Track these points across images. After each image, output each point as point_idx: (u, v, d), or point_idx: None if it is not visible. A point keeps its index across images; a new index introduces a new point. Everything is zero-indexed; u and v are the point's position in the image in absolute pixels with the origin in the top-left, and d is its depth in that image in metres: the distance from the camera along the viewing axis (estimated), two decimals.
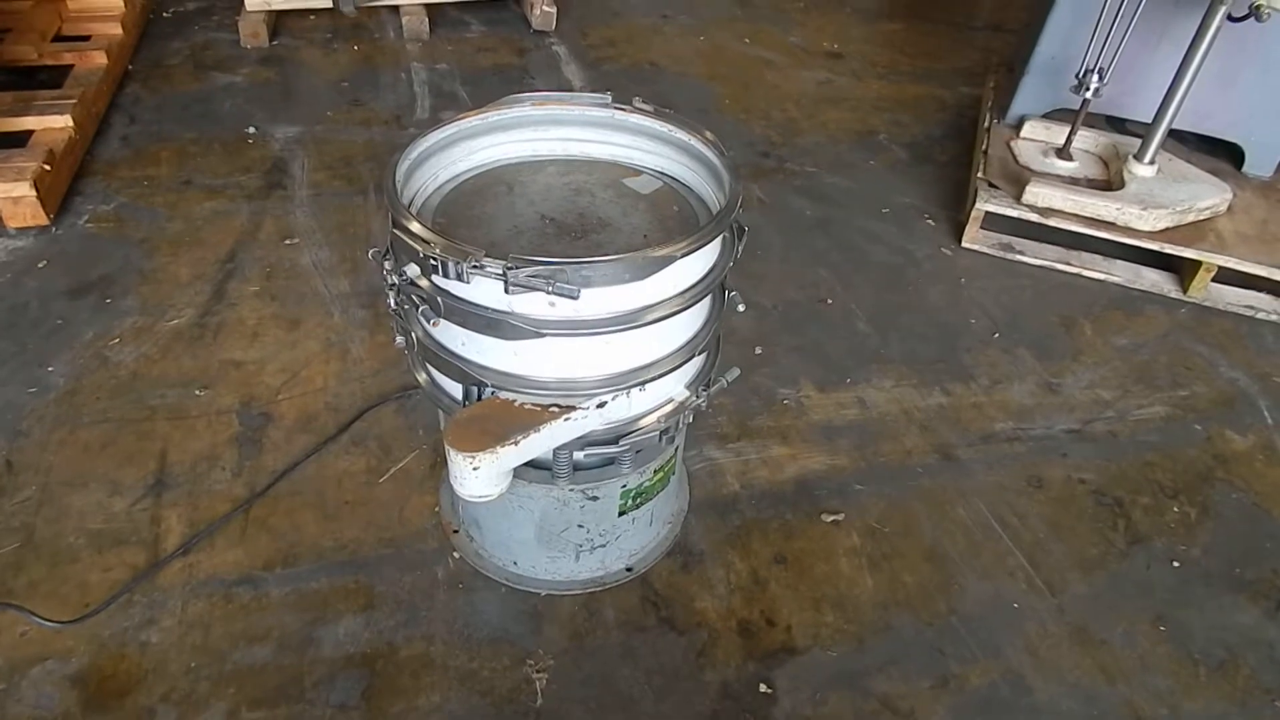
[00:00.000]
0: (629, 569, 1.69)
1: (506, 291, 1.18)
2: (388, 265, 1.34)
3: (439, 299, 1.26)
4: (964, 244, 2.65)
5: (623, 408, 1.38)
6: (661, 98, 3.51)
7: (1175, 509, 1.91)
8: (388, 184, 1.32)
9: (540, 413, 1.31)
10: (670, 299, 1.29)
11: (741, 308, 1.50)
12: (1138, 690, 1.57)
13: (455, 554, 1.71)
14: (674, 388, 1.44)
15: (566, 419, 1.31)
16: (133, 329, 2.16)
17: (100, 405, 1.96)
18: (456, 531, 1.74)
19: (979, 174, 2.70)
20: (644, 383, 1.35)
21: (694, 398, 1.45)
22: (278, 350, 2.14)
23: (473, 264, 1.17)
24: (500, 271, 1.17)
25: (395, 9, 3.74)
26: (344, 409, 2.00)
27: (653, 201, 1.51)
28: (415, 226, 1.23)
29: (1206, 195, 2.53)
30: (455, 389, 1.42)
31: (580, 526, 1.57)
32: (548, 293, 1.16)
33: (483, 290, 1.22)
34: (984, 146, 2.84)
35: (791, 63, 3.73)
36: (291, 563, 1.68)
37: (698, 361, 1.47)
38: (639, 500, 1.59)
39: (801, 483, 1.90)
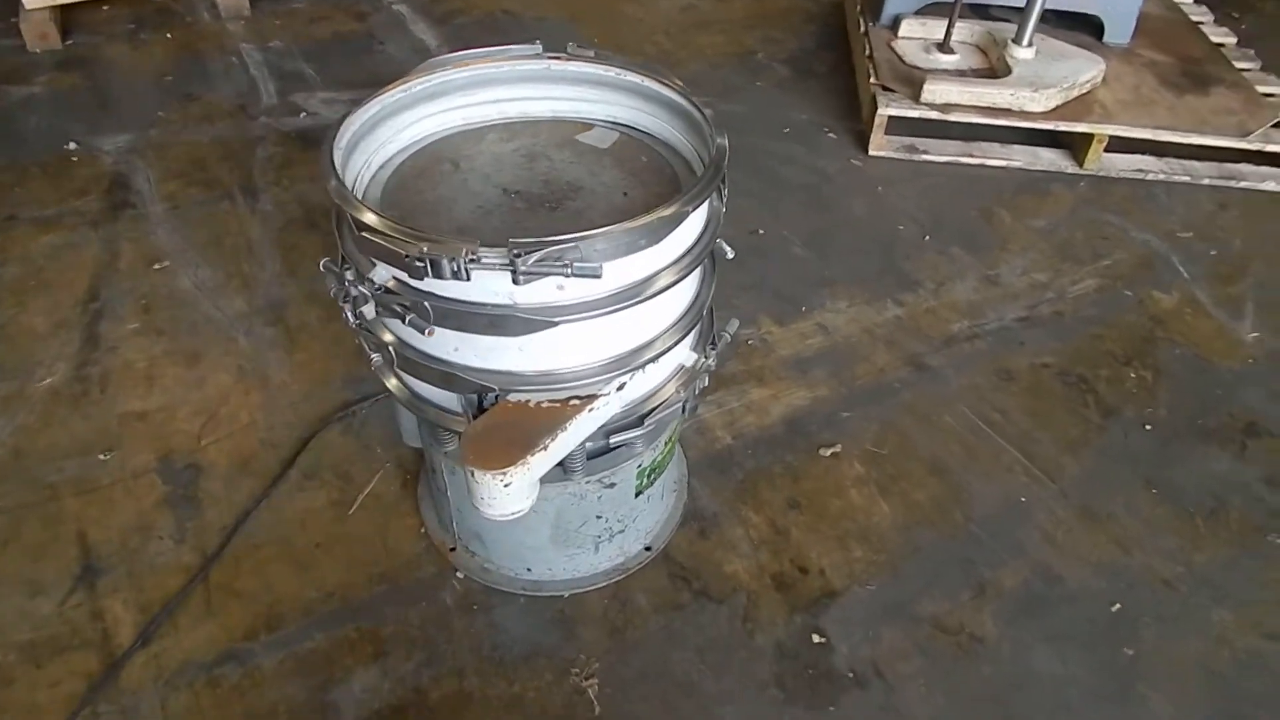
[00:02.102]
0: (648, 548, 1.60)
1: (516, 282, 1.03)
2: (349, 275, 1.14)
3: (425, 304, 1.09)
4: (871, 152, 2.64)
5: (641, 385, 1.26)
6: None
7: (1132, 375, 1.99)
8: (334, 185, 1.12)
9: (561, 408, 1.17)
10: (681, 259, 1.18)
11: (730, 254, 1.40)
12: (1152, 555, 1.63)
13: (458, 574, 1.56)
14: (683, 354, 1.33)
15: (590, 409, 1.18)
16: None
17: None
18: (454, 549, 1.58)
19: (872, 80, 2.69)
20: (661, 354, 1.23)
21: (703, 359, 1.35)
22: (183, 391, 1.87)
23: (470, 258, 1.01)
24: (506, 261, 1.01)
25: None
26: (282, 442, 1.77)
27: (616, 155, 1.37)
28: (388, 227, 1.05)
29: (1085, 69, 2.62)
30: (449, 400, 1.25)
31: (599, 517, 1.45)
32: (566, 275, 1.02)
33: (482, 285, 1.06)
34: (868, 52, 2.82)
35: None
36: (275, 625, 1.47)
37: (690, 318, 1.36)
38: (653, 477, 1.49)
39: (790, 421, 1.85)
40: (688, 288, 1.26)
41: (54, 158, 2.53)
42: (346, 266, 1.16)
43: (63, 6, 3.12)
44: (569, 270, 1.02)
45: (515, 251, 1.00)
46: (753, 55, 3.15)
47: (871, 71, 2.72)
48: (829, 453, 1.79)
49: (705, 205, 1.20)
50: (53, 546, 1.58)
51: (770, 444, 1.80)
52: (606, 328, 1.16)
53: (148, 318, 2.04)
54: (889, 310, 2.13)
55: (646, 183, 1.31)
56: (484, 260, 1.02)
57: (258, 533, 1.61)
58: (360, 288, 1.15)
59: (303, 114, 2.75)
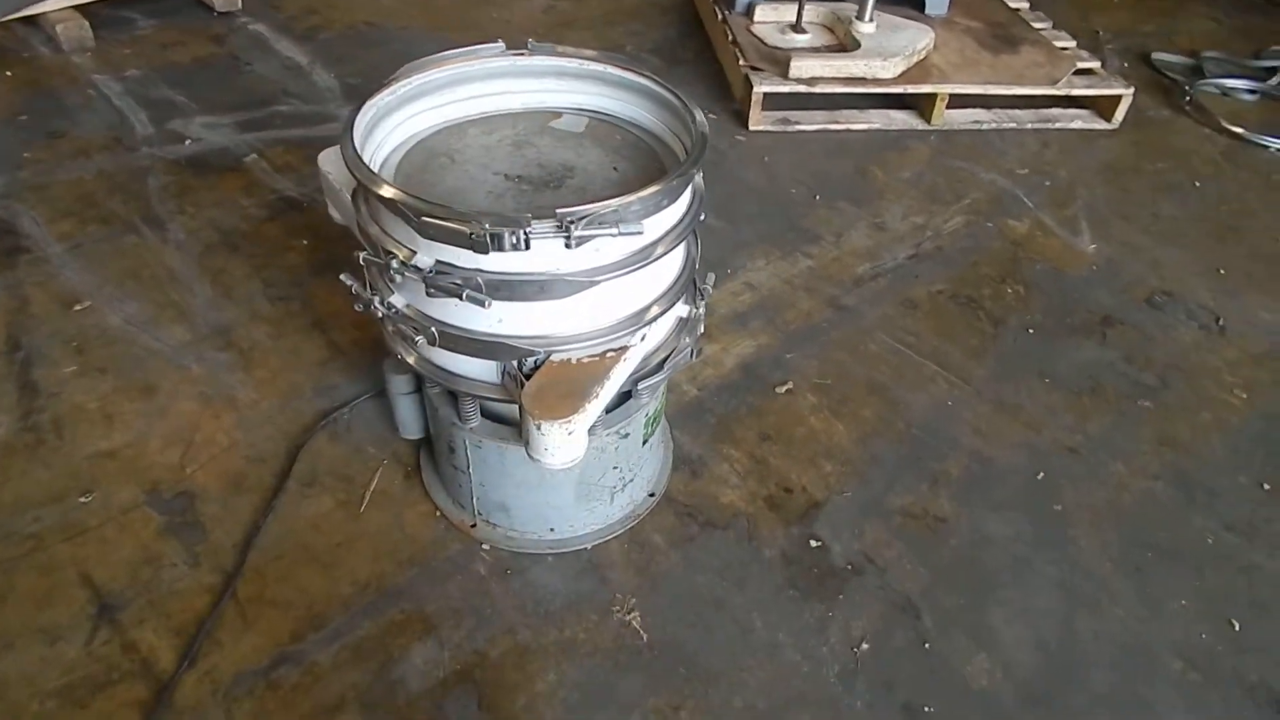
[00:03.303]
0: (651, 494, 1.75)
1: (568, 246, 1.16)
2: (394, 265, 1.23)
3: (478, 279, 1.20)
4: (751, 127, 2.89)
5: (655, 335, 1.41)
6: (400, 56, 3.29)
7: (1009, 290, 2.34)
8: (387, 188, 1.20)
9: (600, 361, 1.31)
10: (685, 215, 1.34)
11: (703, 217, 1.57)
12: (1056, 431, 1.96)
13: (484, 546, 1.65)
14: (680, 307, 1.49)
15: (624, 359, 1.32)
16: None
17: None
18: (474, 525, 1.67)
19: (741, 62, 2.94)
20: (671, 305, 1.39)
21: (695, 309, 1.52)
22: (148, 424, 1.83)
23: (525, 229, 1.13)
24: (561, 228, 1.14)
25: (34, 20, 3.11)
26: (269, 457, 1.79)
27: (592, 137, 1.52)
28: (449, 213, 1.15)
29: (920, 38, 2.99)
30: (485, 371, 1.36)
31: (615, 468, 1.59)
32: (615, 235, 1.16)
33: (534, 254, 1.18)
34: (731, 37, 3.07)
35: None
36: (321, 624, 1.52)
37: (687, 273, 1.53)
38: (653, 425, 1.64)
39: (744, 368, 2.05)
40: (684, 246, 1.42)
41: None
42: (392, 257, 1.23)
43: None
44: (616, 230, 1.16)
45: (569, 219, 1.14)
46: (622, 48, 3.34)
47: (739, 54, 2.97)
48: (783, 390, 2.01)
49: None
50: (57, 593, 1.53)
51: (731, 389, 2.00)
52: (631, 285, 1.30)
53: (84, 359, 1.96)
54: (801, 262, 2.38)
55: (629, 158, 1.47)
56: (540, 230, 1.14)
57: (272, 544, 1.63)
58: (403, 275, 1.24)
59: (188, 141, 2.67)
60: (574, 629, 1.54)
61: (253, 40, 3.25)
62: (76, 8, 3.11)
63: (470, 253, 1.17)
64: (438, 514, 1.70)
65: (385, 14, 3.48)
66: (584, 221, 1.15)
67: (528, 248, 1.14)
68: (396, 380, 1.62)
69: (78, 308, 2.09)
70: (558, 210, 1.14)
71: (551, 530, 1.65)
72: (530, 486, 1.56)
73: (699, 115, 1.37)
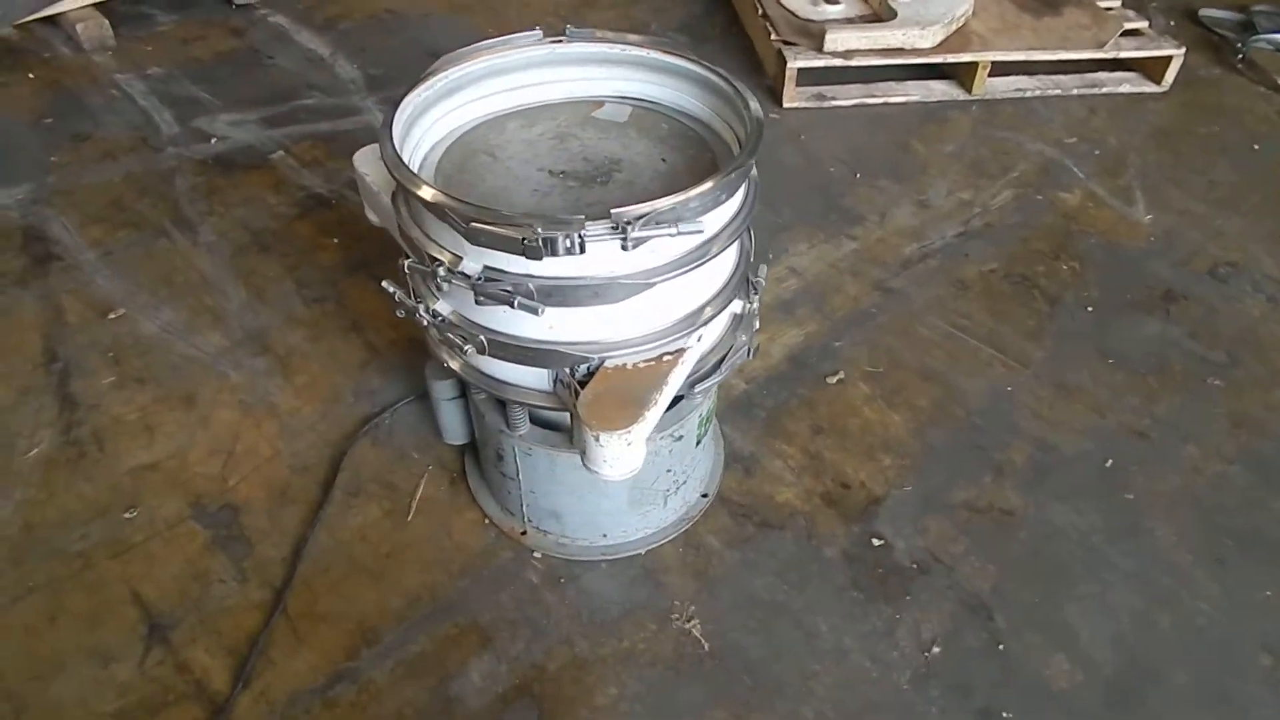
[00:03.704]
0: (704, 495, 1.70)
1: (624, 249, 1.10)
2: (441, 272, 1.17)
3: (530, 285, 1.14)
4: (785, 104, 2.80)
5: (713, 332, 1.35)
6: (421, 44, 3.27)
7: (1063, 267, 2.25)
8: (433, 193, 1.14)
9: (657, 365, 1.25)
10: (741, 210, 1.27)
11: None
12: (1122, 413, 1.88)
13: (536, 554, 1.60)
14: (735, 304, 1.42)
15: (681, 362, 1.26)
16: None
17: (9, 578, 1.55)
18: (524, 532, 1.62)
19: (773, 37, 2.84)
20: (728, 300, 1.33)
21: (749, 303, 1.45)
22: (190, 435, 1.80)
23: (580, 232, 1.07)
24: (617, 229, 1.08)
25: (53, 19, 3.06)
26: (313, 465, 1.75)
27: (637, 127, 1.45)
28: (499, 217, 1.09)
29: (959, 3, 2.87)
30: (535, 379, 1.30)
31: (669, 471, 1.54)
32: (673, 235, 1.10)
33: (587, 258, 1.12)
34: (761, 11, 2.97)
35: None
36: (374, 639, 1.48)
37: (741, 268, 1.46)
38: (706, 425, 1.59)
39: (792, 359, 1.99)
40: (739, 240, 1.35)
41: None
42: (438, 264, 1.18)
43: None
44: (675, 230, 1.10)
45: (626, 220, 1.07)
46: (648, 26, 3.24)
47: (770, 29, 2.87)
48: (834, 379, 1.94)
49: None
50: (107, 612, 1.51)
51: (780, 381, 1.94)
52: (687, 284, 1.24)
53: (121, 369, 1.94)
54: (845, 245, 2.30)
55: (677, 148, 1.40)
56: (595, 233, 1.08)
57: (320, 556, 1.60)
58: (450, 283, 1.18)
59: (213, 139, 2.63)
60: (632, 639, 1.49)
61: (273, 32, 3.19)
62: (96, 6, 3.06)
63: (521, 258, 1.11)
64: (486, 521, 1.66)
65: (407, 2, 3.40)
66: (641, 222, 1.08)
67: (583, 251, 1.08)
68: (440, 386, 1.57)
69: (112, 316, 2.06)
70: (613, 211, 1.08)
71: (604, 536, 1.60)
72: (583, 493, 1.51)
73: (753, 102, 1.30)
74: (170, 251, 2.24)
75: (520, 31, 1.46)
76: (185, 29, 3.18)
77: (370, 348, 1.99)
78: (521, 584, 1.56)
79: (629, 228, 1.07)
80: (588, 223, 1.08)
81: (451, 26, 3.24)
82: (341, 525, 1.65)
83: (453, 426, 1.66)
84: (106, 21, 3.04)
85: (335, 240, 2.27)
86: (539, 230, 1.06)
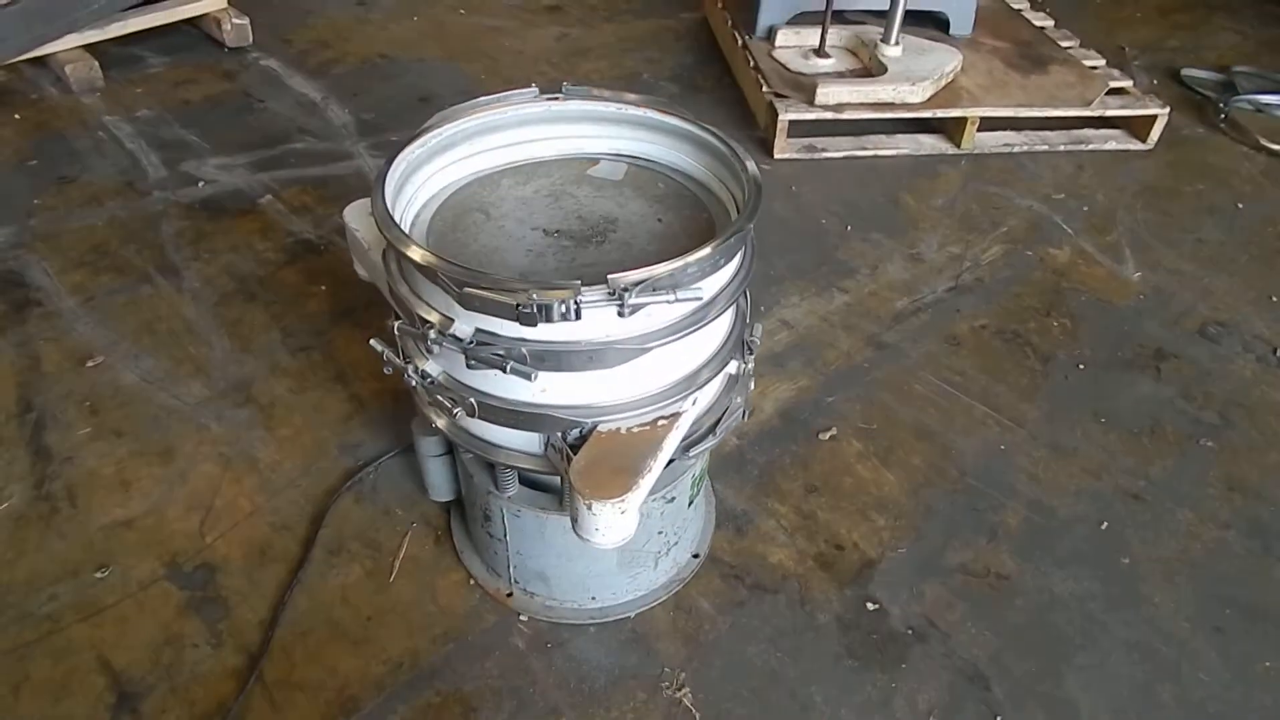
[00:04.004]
0: (696, 555, 1.66)
1: (621, 315, 1.08)
2: (431, 334, 1.14)
3: (523, 349, 1.12)
4: (776, 156, 2.81)
5: (707, 394, 1.33)
6: (414, 90, 3.28)
7: (1055, 324, 2.25)
8: (422, 253, 1.12)
9: (652, 430, 1.22)
10: (739, 272, 1.26)
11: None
12: (1117, 475, 1.86)
13: (522, 617, 1.56)
14: (730, 364, 1.40)
15: (676, 427, 1.24)
16: None
17: None
18: (510, 594, 1.58)
19: (764, 89, 2.86)
20: (724, 362, 1.31)
21: (743, 364, 1.43)
22: (167, 490, 1.75)
23: (575, 298, 1.05)
24: (614, 295, 1.05)
25: (42, 60, 3.05)
26: (294, 523, 1.70)
27: (633, 186, 1.44)
28: (492, 282, 1.06)
29: (948, 60, 2.91)
30: (525, 442, 1.27)
31: (660, 533, 1.50)
32: (671, 302, 1.08)
33: (584, 323, 1.09)
34: (752, 64, 3.00)
35: (519, 24, 3.63)
36: (352, 709, 1.42)
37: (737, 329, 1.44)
38: (699, 485, 1.55)
39: (784, 414, 1.96)
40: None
41: None
42: (429, 326, 1.15)
43: None
44: (673, 297, 1.08)
45: (623, 285, 1.05)
46: (639, 77, 3.27)
47: (761, 81, 2.90)
48: (827, 436, 1.92)
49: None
50: (74, 681, 1.45)
51: (773, 437, 1.91)
52: (683, 347, 1.22)
53: (98, 420, 1.89)
54: (837, 298, 2.30)
55: (673, 208, 1.39)
56: (592, 299, 1.06)
57: (299, 619, 1.54)
58: (439, 346, 1.15)
59: (201, 183, 2.60)
60: (621, 708, 1.44)
61: (265, 76, 3.19)
62: (85, 47, 3.05)
63: (515, 323, 1.08)
64: (471, 582, 1.61)
65: (398, 46, 3.43)
66: (638, 288, 1.06)
67: (578, 318, 1.06)
68: (426, 442, 1.54)
69: (90, 364, 2.01)
70: (609, 277, 1.06)
71: (593, 599, 1.56)
72: (572, 556, 1.47)
73: (750, 164, 1.29)
74: (154, 298, 2.20)
75: (515, 88, 1.45)
76: (176, 72, 3.17)
77: (355, 399, 1.95)
78: (507, 649, 1.51)
79: (626, 294, 1.05)
80: (584, 288, 1.06)
81: (444, 73, 3.26)
82: (322, 586, 1.60)
83: (439, 483, 1.62)
84: (96, 63, 3.02)
85: (323, 287, 2.24)
86: (534, 296, 1.04)
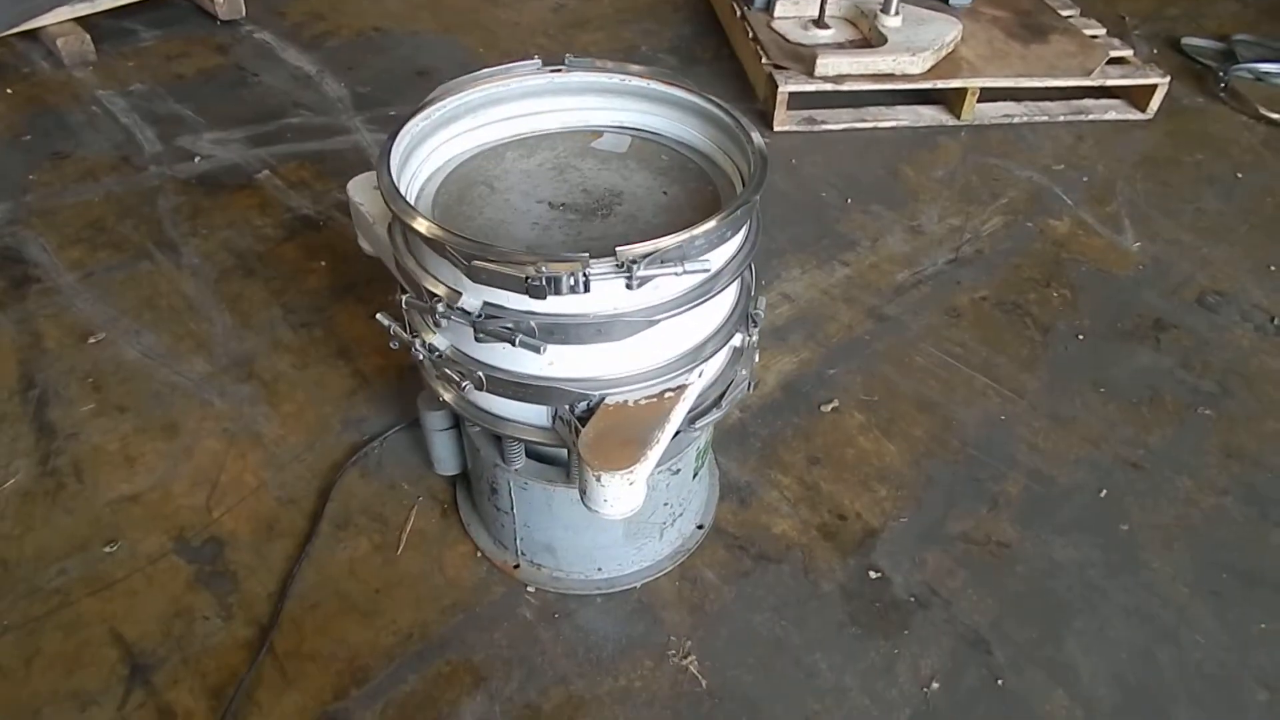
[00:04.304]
0: (700, 527, 1.67)
1: (629, 287, 1.08)
2: (439, 308, 1.15)
3: (532, 322, 1.12)
4: (776, 128, 2.80)
5: (713, 366, 1.33)
6: (412, 62, 3.25)
7: (1054, 295, 2.25)
8: (429, 226, 1.12)
9: (659, 402, 1.23)
10: (745, 244, 1.26)
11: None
12: (1116, 444, 1.88)
13: (529, 588, 1.57)
14: (735, 337, 1.41)
15: (683, 399, 1.24)
16: None
17: None
18: (517, 566, 1.59)
19: (763, 61, 2.84)
20: (730, 334, 1.31)
21: (748, 336, 1.43)
22: (172, 466, 1.76)
23: (585, 271, 1.05)
24: (622, 267, 1.06)
25: (33, 34, 3.01)
26: (300, 497, 1.71)
27: (637, 158, 1.43)
28: (501, 255, 1.06)
29: (948, 30, 2.89)
30: (534, 415, 1.28)
31: (666, 504, 1.51)
32: (679, 274, 1.08)
33: (592, 295, 1.10)
34: (751, 35, 2.97)
35: None
36: (363, 678, 1.44)
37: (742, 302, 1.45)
38: (704, 457, 1.57)
39: (786, 387, 1.97)
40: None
41: None
42: (436, 299, 1.15)
43: None
44: (681, 269, 1.08)
45: (631, 258, 1.05)
46: (637, 49, 3.24)
47: (761, 52, 2.88)
48: (829, 408, 1.93)
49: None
50: (86, 653, 1.46)
51: (775, 410, 1.92)
52: (690, 320, 1.22)
53: (101, 396, 1.89)
54: (838, 271, 2.30)
55: (678, 180, 1.38)
56: (600, 271, 1.06)
57: (308, 592, 1.56)
58: (448, 319, 1.16)
59: (197, 158, 2.58)
60: (629, 676, 1.46)
61: (259, 49, 3.15)
62: (77, 20, 3.01)
63: (524, 296, 1.08)
64: (478, 554, 1.62)
65: (393, 18, 3.39)
66: (646, 260, 1.06)
67: (587, 290, 1.06)
68: (432, 416, 1.54)
69: (92, 340, 2.01)
70: (618, 249, 1.06)
71: (599, 570, 1.57)
72: (578, 528, 1.48)
73: (756, 135, 1.28)
74: (153, 274, 2.19)
75: (514, 60, 1.44)
76: (168, 45, 3.13)
77: (359, 375, 1.95)
78: (515, 620, 1.53)
79: (634, 266, 1.05)
80: (592, 261, 1.06)
81: (441, 46, 3.22)
82: (329, 559, 1.61)
83: (445, 457, 1.63)
84: (88, 36, 2.99)
85: (323, 263, 2.24)
86: (543, 269, 1.04)
